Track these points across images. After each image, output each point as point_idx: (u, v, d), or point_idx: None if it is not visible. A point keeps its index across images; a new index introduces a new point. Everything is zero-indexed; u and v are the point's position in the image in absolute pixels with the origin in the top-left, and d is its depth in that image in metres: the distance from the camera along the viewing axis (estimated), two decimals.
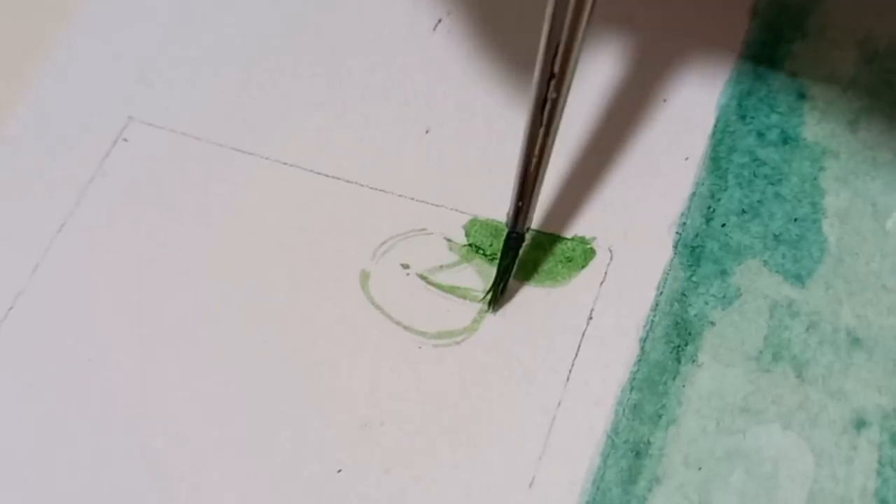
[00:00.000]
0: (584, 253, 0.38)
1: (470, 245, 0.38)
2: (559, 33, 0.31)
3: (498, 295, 0.37)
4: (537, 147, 0.34)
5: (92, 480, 0.35)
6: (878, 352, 0.36)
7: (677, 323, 0.36)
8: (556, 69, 0.32)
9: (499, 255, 0.37)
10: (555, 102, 0.32)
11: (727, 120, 0.40)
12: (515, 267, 0.37)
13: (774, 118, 0.40)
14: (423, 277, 0.38)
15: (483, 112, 0.41)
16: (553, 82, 0.32)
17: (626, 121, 0.40)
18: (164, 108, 0.42)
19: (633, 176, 0.39)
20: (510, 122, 0.41)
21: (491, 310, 0.37)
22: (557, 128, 0.33)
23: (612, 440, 0.35)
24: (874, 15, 0.42)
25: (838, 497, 0.33)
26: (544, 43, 0.31)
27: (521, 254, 0.38)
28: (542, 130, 0.33)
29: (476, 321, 0.37)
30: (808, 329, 0.36)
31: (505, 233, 0.36)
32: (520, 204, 0.35)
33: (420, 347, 0.37)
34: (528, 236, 0.38)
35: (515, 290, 0.37)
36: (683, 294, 0.37)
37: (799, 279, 0.37)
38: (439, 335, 0.37)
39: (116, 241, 0.39)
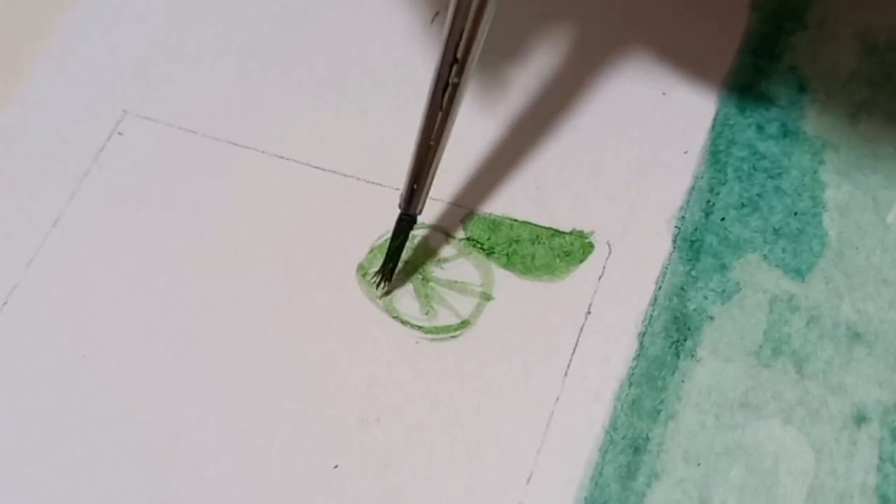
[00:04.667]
0: (583, 247, 0.38)
1: (467, 239, 0.38)
2: (463, 20, 0.32)
3: (388, 277, 0.37)
4: (435, 131, 0.34)
5: (87, 476, 0.35)
6: (878, 346, 0.35)
7: (676, 317, 0.36)
8: (459, 55, 0.32)
9: (492, 248, 0.37)
10: (455, 87, 0.33)
11: (727, 113, 0.40)
12: (513, 258, 0.37)
13: (774, 111, 0.40)
14: (420, 272, 0.38)
15: (482, 106, 0.41)
16: (455, 67, 0.33)
17: (625, 114, 0.40)
18: (159, 102, 0.42)
19: (632, 169, 0.39)
20: (508, 116, 0.40)
21: (379, 291, 0.37)
22: (457, 113, 0.34)
23: (611, 435, 0.35)
24: (874, 7, 0.41)
25: (838, 493, 0.33)
26: (448, 29, 0.32)
27: (519, 247, 0.38)
28: (440, 115, 0.34)
29: (474, 316, 0.37)
30: (808, 323, 0.36)
31: (398, 215, 0.36)
32: (414, 186, 0.35)
33: (417, 342, 0.37)
34: (526, 230, 0.38)
35: (513, 285, 0.37)
36: (682, 288, 0.37)
37: (799, 273, 0.37)
38: (437, 330, 0.37)
39: (112, 236, 0.39)
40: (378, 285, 0.37)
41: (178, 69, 0.43)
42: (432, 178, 0.36)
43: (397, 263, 0.37)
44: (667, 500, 0.34)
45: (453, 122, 0.34)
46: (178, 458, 0.35)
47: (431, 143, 0.34)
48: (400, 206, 0.36)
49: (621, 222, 0.38)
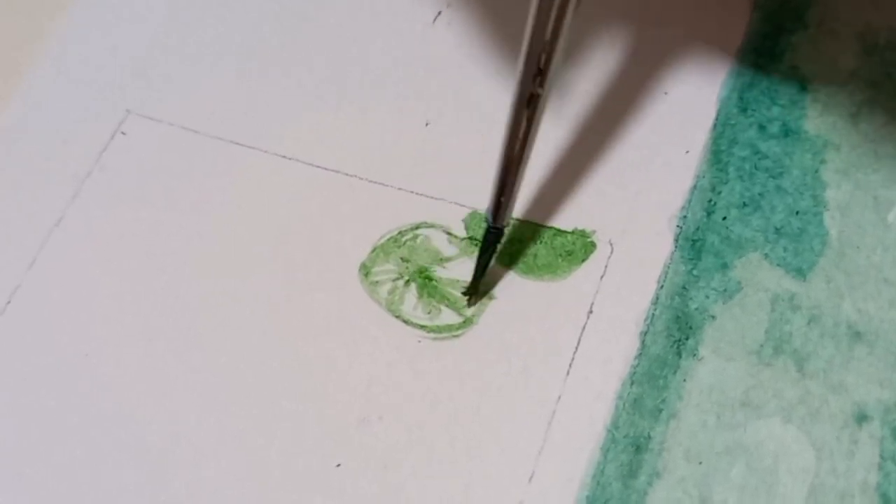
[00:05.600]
0: (585, 246, 0.38)
1: (469, 238, 0.38)
2: (544, 29, 0.31)
3: (477, 290, 0.37)
4: (519, 142, 0.34)
5: (89, 475, 0.35)
6: (879, 345, 0.35)
7: (678, 317, 0.36)
8: (542, 65, 0.32)
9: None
10: (539, 98, 0.32)
11: (728, 112, 0.40)
12: (515, 259, 0.37)
13: (775, 111, 0.40)
14: (422, 271, 0.38)
15: (482, 104, 0.41)
16: (538, 78, 0.32)
17: (627, 114, 0.40)
18: (162, 102, 0.42)
19: (634, 169, 0.39)
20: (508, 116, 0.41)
21: (468, 304, 0.37)
22: (540, 123, 0.33)
23: (613, 434, 0.35)
24: (874, 7, 0.41)
25: (839, 491, 0.33)
26: (528, 39, 0.31)
27: (521, 246, 0.38)
28: (524, 125, 0.33)
29: (475, 315, 0.37)
30: (809, 323, 0.36)
31: (484, 227, 0.36)
32: (501, 199, 0.35)
33: (419, 341, 0.37)
34: (528, 229, 0.38)
35: (515, 284, 0.37)
36: (684, 288, 0.37)
37: (800, 272, 0.37)
38: (438, 329, 0.37)
39: (114, 236, 0.39)
40: (468, 301, 0.37)
41: (180, 69, 0.43)
42: (518, 191, 0.35)
43: (483, 276, 0.37)
44: (668, 499, 0.34)
45: (537, 132, 0.34)
46: (180, 458, 0.35)
47: (517, 155, 0.34)
48: (487, 221, 0.36)
49: (623, 222, 0.38)
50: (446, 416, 0.35)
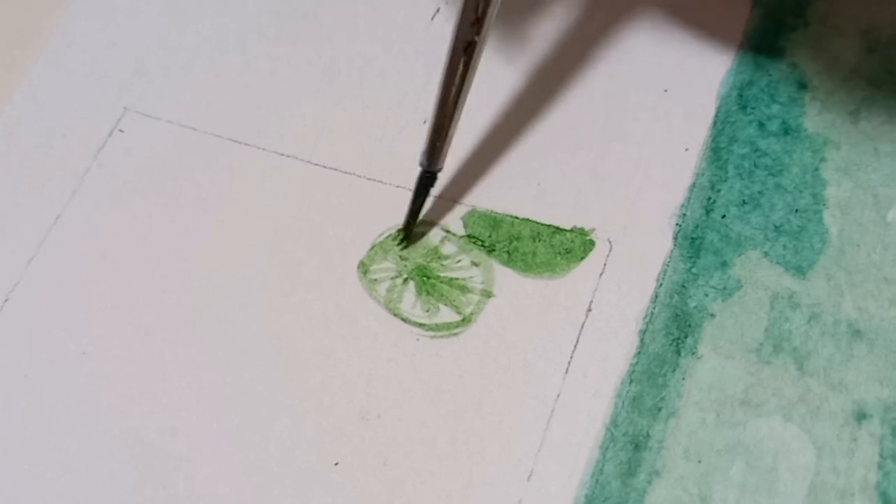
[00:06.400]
0: (584, 244, 0.38)
1: (468, 236, 0.38)
2: None
3: (409, 234, 0.38)
4: (455, 87, 0.35)
5: (87, 471, 0.35)
6: (879, 344, 0.35)
7: (677, 315, 0.36)
8: (479, 13, 0.33)
9: (493, 245, 0.38)
10: (476, 45, 0.34)
11: (728, 110, 0.40)
12: (512, 251, 0.37)
13: (775, 108, 0.39)
14: (421, 269, 0.38)
15: (481, 103, 0.41)
16: (476, 26, 0.33)
17: (627, 111, 0.40)
18: (160, 99, 0.42)
19: (633, 166, 0.39)
20: (510, 114, 0.40)
21: (401, 246, 0.38)
22: (475, 70, 0.35)
23: (612, 432, 0.35)
24: (876, 4, 0.41)
25: (839, 490, 0.33)
26: None
27: (520, 244, 0.38)
28: (461, 71, 0.34)
29: (474, 313, 0.37)
30: (808, 321, 0.36)
31: (419, 173, 0.37)
32: (437, 143, 0.36)
33: (418, 339, 0.37)
34: (527, 227, 0.38)
35: (514, 282, 0.37)
36: (683, 286, 0.37)
37: (800, 270, 0.37)
38: (437, 327, 0.37)
39: (113, 233, 0.39)
40: (400, 242, 0.38)
41: (179, 66, 0.43)
42: (452, 136, 0.36)
43: (416, 222, 0.38)
44: (667, 497, 0.33)
45: (472, 79, 0.35)
46: (179, 454, 0.35)
47: (452, 100, 0.35)
48: (421, 164, 0.37)
49: (622, 219, 0.38)
50: (445, 414, 0.35)
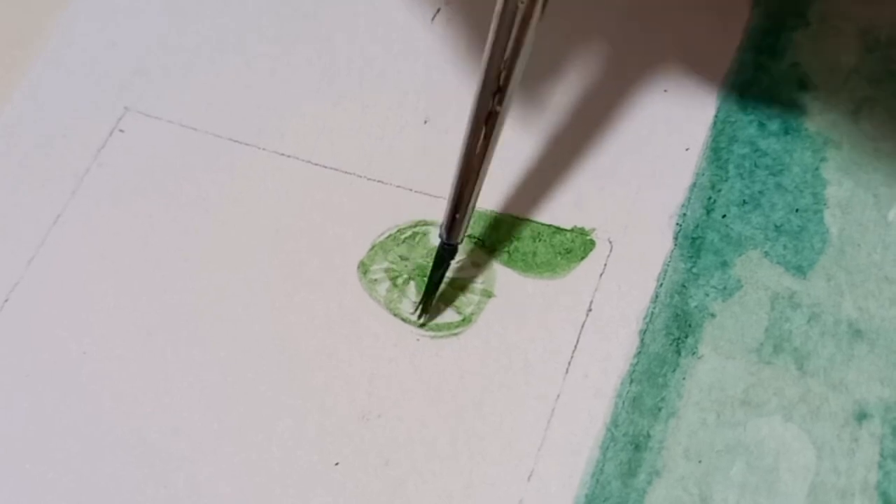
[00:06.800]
0: (584, 244, 0.38)
1: (468, 236, 0.38)
2: (504, 47, 0.31)
3: (429, 306, 0.37)
4: (476, 158, 0.33)
5: (88, 471, 0.35)
6: (879, 344, 0.35)
7: (677, 315, 0.36)
8: (501, 83, 0.32)
9: (493, 245, 0.37)
10: (497, 115, 0.32)
11: (728, 110, 0.40)
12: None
13: (776, 108, 0.39)
14: (421, 268, 0.38)
15: None
16: (497, 96, 0.32)
17: (626, 111, 0.40)
18: (160, 99, 0.42)
19: (634, 166, 0.39)
20: (510, 116, 0.40)
21: (420, 321, 0.37)
22: (497, 139, 0.33)
23: (612, 433, 0.35)
24: (876, 3, 0.41)
25: (840, 490, 0.33)
26: (488, 56, 0.31)
27: (520, 244, 0.38)
28: (482, 143, 0.33)
29: (475, 313, 0.37)
30: (809, 321, 0.36)
31: (439, 244, 0.36)
32: (456, 216, 0.35)
33: (418, 339, 0.37)
34: (527, 227, 0.38)
35: (514, 282, 0.37)
36: (684, 286, 0.37)
37: (800, 270, 0.37)
38: (438, 327, 0.37)
39: (113, 233, 0.39)
40: (419, 316, 0.37)
41: (180, 66, 0.43)
42: (474, 207, 0.35)
43: (437, 292, 0.37)
44: (668, 498, 0.33)
45: (494, 149, 0.33)
46: (179, 454, 0.35)
47: (474, 172, 0.34)
48: (441, 237, 0.36)
49: (622, 219, 0.38)
50: (446, 415, 0.35)
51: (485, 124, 0.33)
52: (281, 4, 0.44)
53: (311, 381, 0.36)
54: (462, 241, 0.36)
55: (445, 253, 0.36)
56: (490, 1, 0.43)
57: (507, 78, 0.32)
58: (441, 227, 0.35)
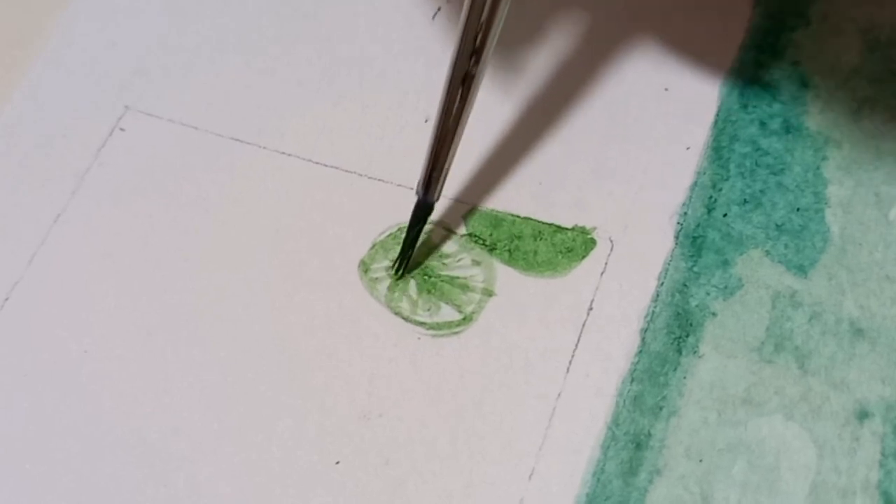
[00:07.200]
0: (585, 243, 0.38)
1: (469, 235, 0.38)
2: (481, 10, 0.32)
3: (404, 266, 0.37)
4: (452, 118, 0.34)
5: (88, 471, 0.35)
6: (881, 342, 0.35)
7: (678, 314, 0.36)
8: (477, 45, 0.33)
9: (494, 244, 0.37)
10: (473, 77, 0.34)
11: (729, 109, 0.40)
12: (510, 251, 0.37)
13: (777, 107, 0.39)
14: (422, 267, 0.38)
15: (482, 102, 0.41)
16: (473, 58, 0.33)
17: (627, 110, 0.40)
18: (161, 98, 0.42)
19: (634, 165, 0.39)
20: (509, 112, 0.40)
21: (396, 276, 0.37)
22: (474, 101, 0.34)
23: (613, 431, 0.35)
24: (877, 3, 0.41)
25: (841, 489, 0.33)
26: (465, 19, 0.33)
27: (521, 243, 0.38)
28: (458, 103, 0.34)
29: (475, 312, 0.37)
30: (810, 320, 0.36)
31: (414, 202, 0.37)
32: (433, 174, 0.36)
33: (419, 338, 0.37)
34: (528, 226, 0.38)
35: (515, 281, 0.37)
36: (685, 284, 0.37)
37: (801, 269, 0.37)
38: (438, 326, 0.37)
39: (113, 232, 0.39)
40: (396, 273, 0.37)
41: (180, 65, 0.43)
42: (449, 167, 0.36)
43: (413, 252, 0.37)
44: (668, 497, 0.33)
45: (470, 110, 0.35)
46: (180, 453, 0.35)
47: (450, 132, 0.35)
48: (417, 194, 0.36)
49: (623, 218, 0.38)
50: (447, 413, 0.35)
51: (461, 85, 0.34)
52: (281, 4, 0.44)
53: (311, 380, 0.36)
54: (438, 198, 0.37)
55: (421, 211, 0.37)
56: None
57: (484, 40, 0.33)
58: (417, 184, 0.36)
